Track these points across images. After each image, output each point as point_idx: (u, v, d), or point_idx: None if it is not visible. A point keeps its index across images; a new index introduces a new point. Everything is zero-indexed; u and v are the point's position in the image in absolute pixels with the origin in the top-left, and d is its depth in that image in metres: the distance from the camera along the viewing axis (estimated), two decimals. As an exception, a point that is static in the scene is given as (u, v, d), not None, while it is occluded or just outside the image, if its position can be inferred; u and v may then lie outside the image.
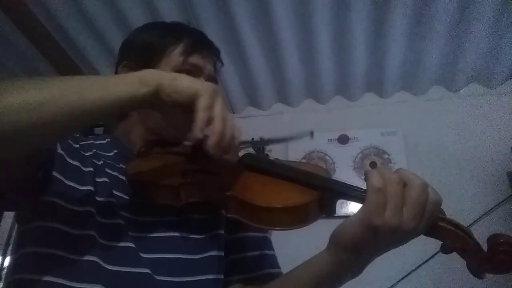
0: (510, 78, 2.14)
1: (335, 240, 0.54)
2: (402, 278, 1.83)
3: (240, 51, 2.00)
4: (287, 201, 0.56)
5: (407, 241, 0.52)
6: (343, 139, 2.24)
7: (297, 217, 0.56)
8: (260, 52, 2.04)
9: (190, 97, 0.53)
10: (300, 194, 0.57)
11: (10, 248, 2.17)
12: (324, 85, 2.26)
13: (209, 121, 0.53)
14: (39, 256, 0.59)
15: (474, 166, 2.00)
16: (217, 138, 0.53)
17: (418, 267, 1.83)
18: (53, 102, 0.46)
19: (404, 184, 0.49)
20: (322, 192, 0.58)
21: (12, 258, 0.64)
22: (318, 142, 2.25)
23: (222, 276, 0.70)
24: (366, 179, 0.50)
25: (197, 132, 0.52)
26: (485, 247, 0.50)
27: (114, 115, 0.57)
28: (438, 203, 0.50)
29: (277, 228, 0.56)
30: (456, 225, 0.51)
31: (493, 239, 0.49)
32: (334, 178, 0.61)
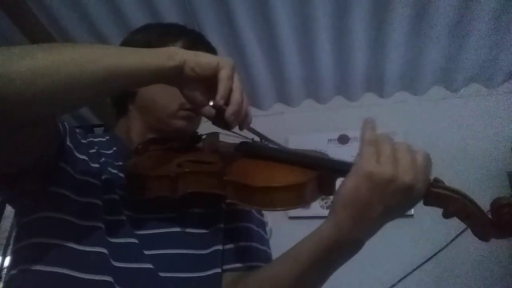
0: (510, 78, 2.14)
1: (335, 198, 0.54)
2: (402, 278, 1.83)
3: (240, 51, 2.00)
4: (285, 180, 0.57)
5: (407, 207, 0.53)
6: (343, 139, 2.24)
7: (296, 196, 0.57)
8: (260, 52, 2.04)
9: (212, 69, 0.57)
10: (298, 174, 0.59)
11: (10, 248, 2.17)
12: (324, 85, 2.26)
13: (230, 91, 0.57)
14: (45, 247, 0.59)
15: (474, 166, 2.00)
16: (236, 108, 0.57)
17: (418, 267, 1.82)
18: (96, 60, 0.50)
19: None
20: (320, 171, 0.59)
21: (13, 249, 0.62)
22: (318, 142, 2.25)
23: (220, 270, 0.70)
24: (360, 136, 0.54)
25: (220, 99, 0.56)
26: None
27: (141, 85, 0.63)
28: (428, 156, 0.53)
29: (277, 209, 0.57)
30: (455, 191, 0.52)
31: (496, 203, 0.51)
32: (332, 157, 0.62)
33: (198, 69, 0.56)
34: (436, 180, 0.54)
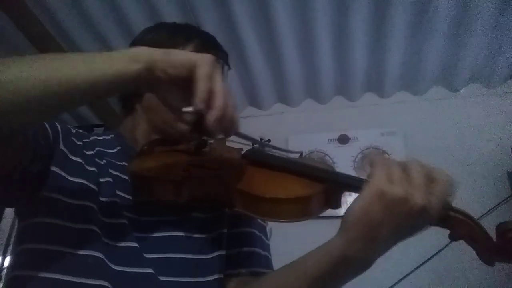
0: (510, 78, 2.14)
1: (346, 216, 0.52)
2: (402, 278, 1.83)
3: (240, 51, 2.00)
4: (292, 193, 0.56)
5: (418, 227, 0.51)
6: (343, 139, 2.24)
7: (302, 209, 0.56)
8: (260, 52, 2.04)
9: (187, 69, 0.50)
10: (305, 186, 0.58)
11: (10, 248, 2.17)
12: (324, 85, 2.26)
13: (210, 93, 0.50)
14: (39, 253, 0.58)
15: (474, 166, 2.00)
16: (218, 113, 0.50)
17: (418, 267, 1.83)
18: (37, 78, 0.45)
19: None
20: (327, 184, 0.58)
21: (12, 254, 0.62)
22: (318, 142, 2.25)
23: (222, 276, 0.70)
24: (370, 161, 0.52)
25: (198, 103, 0.49)
26: (493, 236, 0.50)
27: (104, 95, 0.55)
28: (448, 182, 0.50)
29: (282, 220, 0.56)
30: (464, 213, 0.51)
31: (502, 227, 0.49)
32: (338, 171, 0.61)
33: (170, 69, 0.50)
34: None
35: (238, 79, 2.24)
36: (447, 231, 0.53)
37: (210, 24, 1.81)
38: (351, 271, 0.54)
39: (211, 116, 0.50)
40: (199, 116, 0.51)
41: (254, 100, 2.43)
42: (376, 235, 0.50)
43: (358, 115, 2.29)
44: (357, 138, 2.22)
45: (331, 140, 2.25)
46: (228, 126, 0.53)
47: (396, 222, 0.49)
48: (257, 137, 2.28)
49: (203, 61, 0.50)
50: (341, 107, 2.35)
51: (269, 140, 2.26)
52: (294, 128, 2.35)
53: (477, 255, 0.51)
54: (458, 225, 0.51)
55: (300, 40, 1.94)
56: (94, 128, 2.40)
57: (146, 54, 0.50)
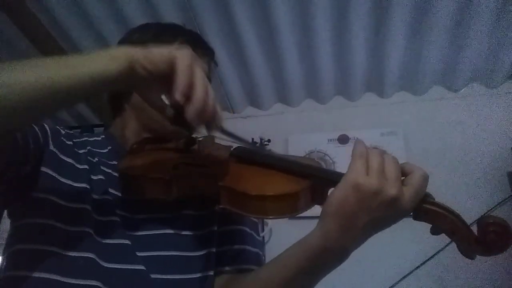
0: (510, 78, 2.14)
1: (324, 208, 0.54)
2: (402, 278, 1.83)
3: (240, 51, 2.00)
4: (278, 189, 0.57)
5: (393, 219, 0.53)
6: (343, 139, 2.24)
7: (289, 205, 0.57)
8: (260, 52, 2.04)
9: (167, 64, 0.50)
10: (291, 183, 0.59)
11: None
12: (324, 85, 2.26)
13: (190, 86, 0.50)
14: (32, 253, 0.58)
15: (474, 166, 2.01)
16: (198, 106, 0.50)
17: (418, 267, 1.83)
18: (21, 84, 0.45)
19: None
20: (313, 180, 0.59)
21: (5, 254, 0.62)
22: (318, 142, 2.25)
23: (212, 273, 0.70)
24: (352, 151, 0.54)
25: (178, 95, 0.49)
26: (475, 230, 0.51)
27: (86, 96, 0.56)
28: (423, 175, 0.52)
29: (269, 217, 0.58)
30: (444, 207, 0.52)
31: (483, 221, 0.50)
32: (325, 168, 0.61)
33: (150, 66, 0.50)
34: (426, 195, 0.53)
35: (238, 79, 2.25)
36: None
37: (210, 24, 1.82)
38: (329, 261, 0.56)
39: (191, 109, 0.50)
40: (180, 110, 0.50)
41: (254, 100, 2.43)
42: (352, 225, 0.52)
43: (358, 115, 2.29)
44: (357, 138, 2.21)
45: (331, 140, 2.25)
46: (210, 120, 0.53)
47: (371, 212, 0.51)
48: (257, 137, 2.29)
49: (183, 55, 0.51)
50: (341, 107, 2.35)
51: (269, 140, 2.27)
52: (294, 128, 2.35)
53: (458, 248, 0.52)
54: (437, 218, 0.52)
55: (300, 40, 1.94)
56: (94, 128, 2.40)
57: (125, 53, 0.50)
